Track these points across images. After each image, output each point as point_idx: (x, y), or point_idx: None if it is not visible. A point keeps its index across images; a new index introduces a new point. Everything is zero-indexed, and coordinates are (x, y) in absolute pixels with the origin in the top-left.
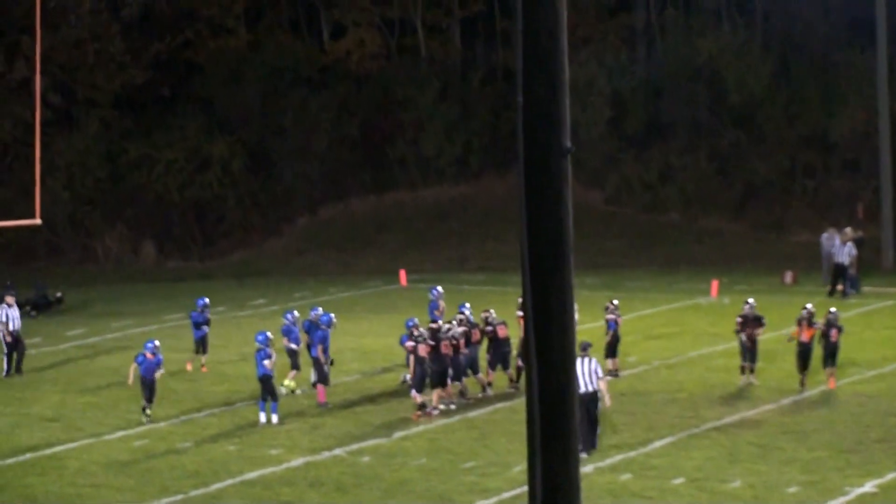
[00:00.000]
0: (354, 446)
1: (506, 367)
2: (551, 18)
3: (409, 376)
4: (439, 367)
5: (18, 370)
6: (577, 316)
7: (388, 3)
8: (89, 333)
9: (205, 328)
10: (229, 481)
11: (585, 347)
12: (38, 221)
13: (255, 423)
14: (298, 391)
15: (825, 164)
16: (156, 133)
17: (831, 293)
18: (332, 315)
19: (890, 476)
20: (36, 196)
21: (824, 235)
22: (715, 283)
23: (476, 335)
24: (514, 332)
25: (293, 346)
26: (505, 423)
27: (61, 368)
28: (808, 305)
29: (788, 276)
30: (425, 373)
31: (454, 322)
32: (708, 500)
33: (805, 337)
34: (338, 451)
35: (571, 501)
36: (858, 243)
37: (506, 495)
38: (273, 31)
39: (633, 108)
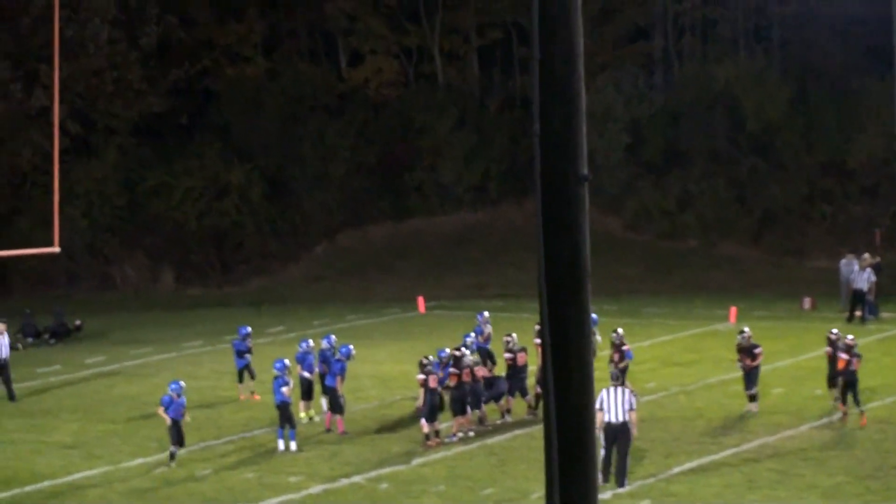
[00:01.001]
0: (373, 473)
1: (524, 394)
2: (568, 46)
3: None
4: (459, 394)
5: (11, 398)
6: (599, 339)
7: (405, 30)
8: (108, 361)
9: (247, 357)
10: None
11: (617, 377)
12: (56, 249)
13: (274, 450)
14: (316, 417)
15: (843, 190)
16: (174, 161)
17: (850, 319)
18: (352, 347)
19: None
20: (55, 224)
21: (843, 261)
22: (733, 310)
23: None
24: (532, 360)
25: (306, 374)
26: (523, 449)
27: (80, 396)
28: (850, 336)
29: (807, 303)
30: (435, 402)
31: (464, 349)
32: None
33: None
34: (357, 479)
35: None
36: (877, 269)
37: None
38: (291, 58)
39: (650, 135)
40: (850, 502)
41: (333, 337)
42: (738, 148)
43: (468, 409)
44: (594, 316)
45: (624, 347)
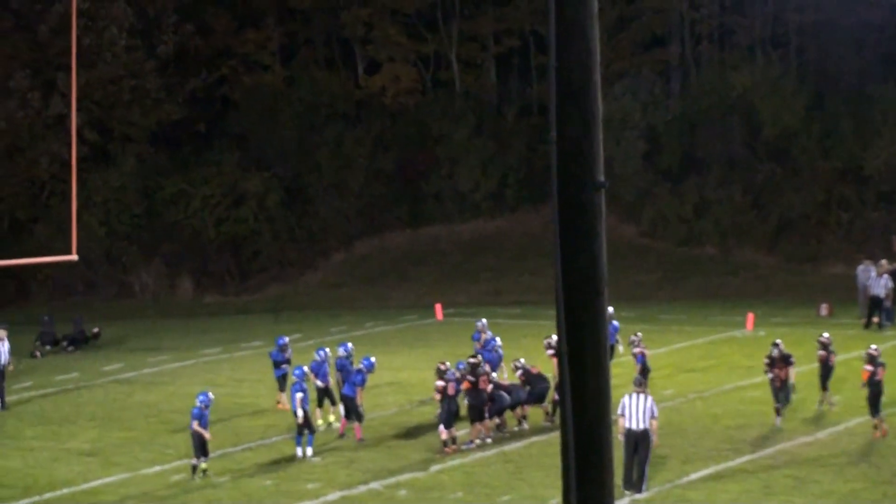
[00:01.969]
0: (391, 480)
1: (541, 401)
2: (585, 54)
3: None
4: (477, 401)
5: (2, 406)
6: (621, 349)
7: (422, 38)
8: (126, 368)
9: (285, 367)
10: None
11: (641, 383)
12: (74, 257)
13: (292, 457)
14: (335, 424)
15: (860, 196)
16: (192, 169)
17: (867, 325)
18: (374, 360)
19: None
20: (72, 232)
21: (860, 268)
22: (750, 316)
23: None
24: (546, 368)
25: (319, 383)
26: (540, 456)
27: (98, 404)
28: (873, 346)
29: (824, 309)
30: (451, 410)
31: (480, 357)
32: None
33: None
34: (374, 485)
35: None
36: (894, 275)
37: None
38: (308, 67)
39: (667, 142)
40: None
41: (350, 345)
42: (754, 155)
43: (486, 415)
44: (615, 323)
45: (635, 350)
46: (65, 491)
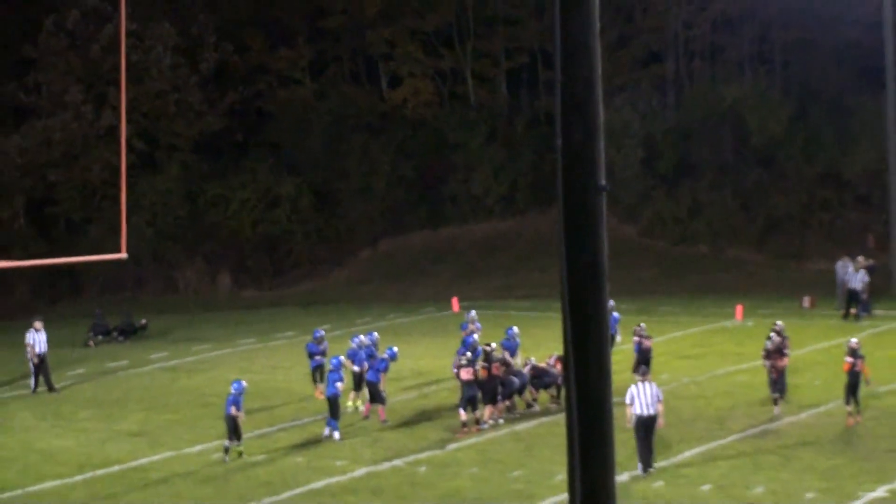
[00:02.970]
0: (412, 457)
1: (548, 388)
2: (588, 69)
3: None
4: (491, 385)
5: (50, 388)
6: (619, 339)
7: (440, 55)
8: (171, 357)
9: (319, 358)
10: (298, 490)
11: (645, 372)
12: (124, 256)
13: (322, 437)
14: (361, 407)
15: (839, 199)
16: (230, 175)
17: (845, 316)
18: (396, 349)
19: None
20: (122, 233)
21: (839, 263)
22: (739, 308)
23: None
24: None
25: (356, 368)
26: (548, 436)
27: (146, 389)
28: (854, 340)
29: (807, 301)
30: (469, 394)
31: (493, 345)
32: None
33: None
34: (397, 462)
35: None
36: (870, 270)
37: (549, 501)
38: (336, 81)
39: (664, 149)
40: (846, 482)
41: (376, 335)
42: (743, 161)
43: (498, 398)
44: (616, 315)
45: (634, 339)
46: (115, 468)
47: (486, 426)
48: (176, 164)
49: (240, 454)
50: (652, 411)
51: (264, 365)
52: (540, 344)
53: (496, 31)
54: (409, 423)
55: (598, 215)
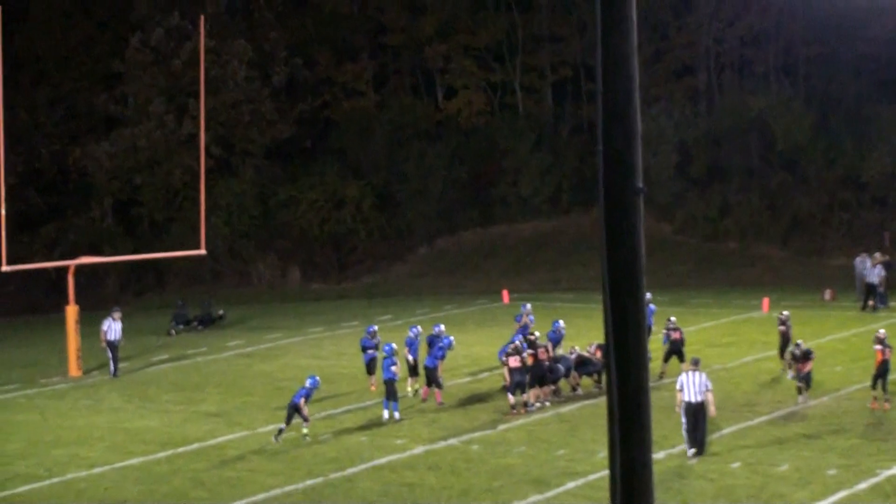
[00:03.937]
0: (466, 437)
1: (590, 374)
2: (627, 81)
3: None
4: (537, 370)
5: (114, 373)
6: (654, 329)
7: (491, 69)
8: (246, 344)
9: (372, 352)
10: (362, 466)
11: (696, 362)
12: (203, 252)
13: (382, 418)
14: (420, 391)
15: (858, 200)
16: (300, 178)
17: (864, 308)
18: (453, 339)
19: None
20: (201, 231)
21: (857, 259)
22: (766, 301)
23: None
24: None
25: (410, 357)
26: (590, 417)
27: (223, 373)
28: (882, 331)
29: (827, 294)
30: (517, 379)
31: (537, 334)
32: (760, 481)
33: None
34: (452, 441)
35: (645, 481)
36: (886, 266)
37: (591, 477)
38: (396, 93)
39: (696, 155)
40: (864, 460)
41: (442, 326)
42: (769, 165)
43: (545, 382)
44: (652, 306)
45: (663, 331)
46: (195, 446)
47: (533, 408)
48: (250, 168)
49: (305, 436)
50: (700, 398)
51: (331, 351)
52: (582, 333)
53: (542, 47)
54: (463, 405)
55: (636, 215)
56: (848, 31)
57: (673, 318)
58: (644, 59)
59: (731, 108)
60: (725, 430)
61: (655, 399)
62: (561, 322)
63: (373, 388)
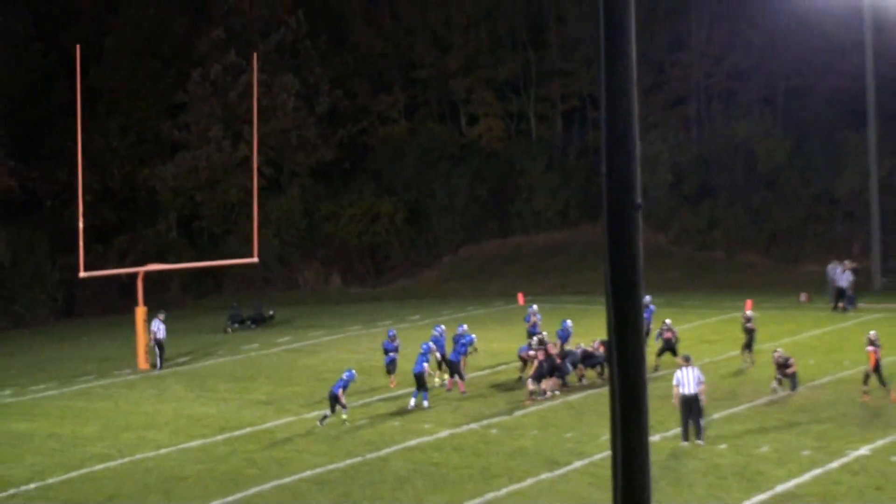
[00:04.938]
0: (485, 421)
1: (594, 367)
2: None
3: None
4: (549, 363)
5: (160, 367)
6: (651, 327)
7: (509, 99)
8: (293, 341)
9: (392, 354)
10: (395, 447)
11: (687, 359)
12: (255, 260)
13: (411, 405)
14: (445, 381)
15: (830, 214)
16: (340, 195)
17: (834, 309)
18: (475, 336)
19: (880, 442)
20: (254, 242)
21: (829, 266)
22: (749, 302)
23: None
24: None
25: (438, 354)
26: (595, 405)
27: (273, 366)
28: (872, 332)
29: (803, 296)
30: (542, 370)
31: (545, 333)
32: (744, 461)
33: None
34: (473, 426)
35: (642, 461)
36: (855, 272)
37: (596, 457)
38: (425, 120)
39: (688, 174)
40: (835, 442)
41: (465, 326)
42: (752, 184)
43: (555, 374)
44: (652, 307)
45: (656, 331)
46: (248, 430)
47: (544, 397)
48: (297, 187)
49: (345, 421)
50: (694, 391)
51: (368, 347)
52: (589, 331)
53: (553, 80)
54: (483, 394)
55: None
56: (821, 67)
57: (668, 321)
58: (642, 90)
59: (718, 133)
60: (714, 416)
61: (652, 389)
62: (569, 321)
63: (392, 385)
